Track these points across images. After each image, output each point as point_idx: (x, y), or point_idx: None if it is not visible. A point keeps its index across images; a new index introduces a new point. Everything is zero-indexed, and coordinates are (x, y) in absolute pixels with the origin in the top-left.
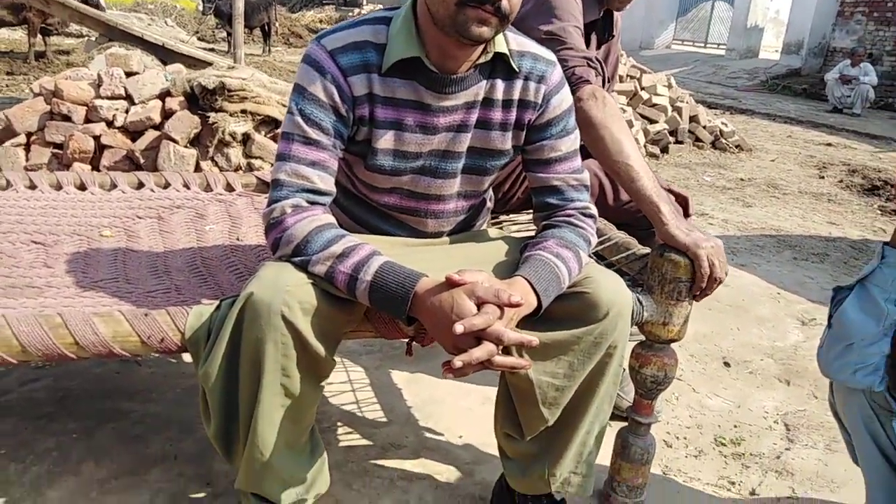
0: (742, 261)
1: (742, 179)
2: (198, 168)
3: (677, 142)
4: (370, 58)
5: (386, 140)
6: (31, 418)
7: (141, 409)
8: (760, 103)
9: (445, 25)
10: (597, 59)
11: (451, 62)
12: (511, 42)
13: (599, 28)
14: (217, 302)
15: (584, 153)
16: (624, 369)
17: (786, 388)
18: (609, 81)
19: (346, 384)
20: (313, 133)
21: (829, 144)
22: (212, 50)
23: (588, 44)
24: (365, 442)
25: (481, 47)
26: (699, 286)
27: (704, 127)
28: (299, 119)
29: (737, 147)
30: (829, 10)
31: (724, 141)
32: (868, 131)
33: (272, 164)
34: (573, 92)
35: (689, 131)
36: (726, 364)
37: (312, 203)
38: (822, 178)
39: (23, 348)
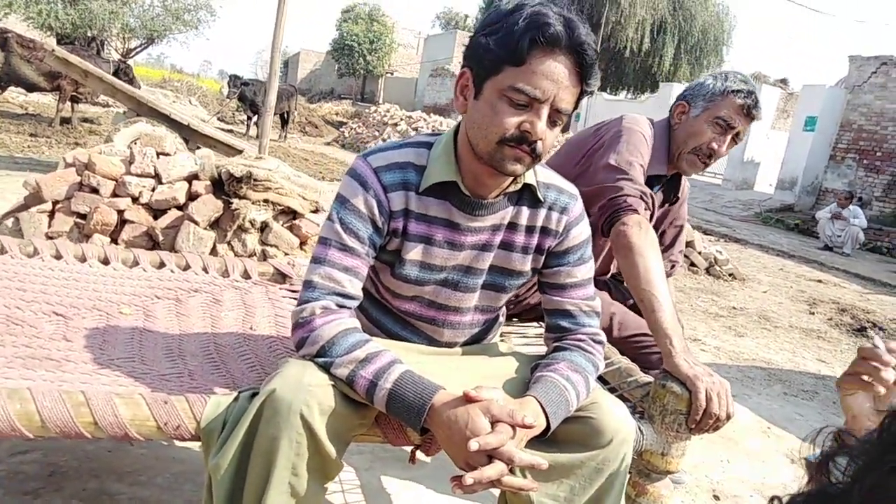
0: (733, 391)
1: (734, 308)
2: (214, 250)
3: None
4: (410, 177)
5: (415, 252)
6: (16, 493)
7: (129, 493)
8: (754, 234)
9: (484, 158)
10: (651, 196)
11: (484, 189)
12: (539, 174)
13: (666, 188)
14: (235, 393)
15: (599, 284)
16: None
17: None
18: (668, 249)
19: (336, 484)
20: (350, 241)
21: (820, 281)
22: (230, 131)
23: None
24: None
25: (511, 178)
26: (694, 418)
27: (700, 253)
28: (338, 227)
29: (730, 275)
30: (822, 153)
31: (718, 268)
32: (857, 272)
33: (286, 254)
34: (620, 216)
35: (685, 256)
36: (716, 497)
37: (341, 306)
38: (813, 314)
39: (43, 423)
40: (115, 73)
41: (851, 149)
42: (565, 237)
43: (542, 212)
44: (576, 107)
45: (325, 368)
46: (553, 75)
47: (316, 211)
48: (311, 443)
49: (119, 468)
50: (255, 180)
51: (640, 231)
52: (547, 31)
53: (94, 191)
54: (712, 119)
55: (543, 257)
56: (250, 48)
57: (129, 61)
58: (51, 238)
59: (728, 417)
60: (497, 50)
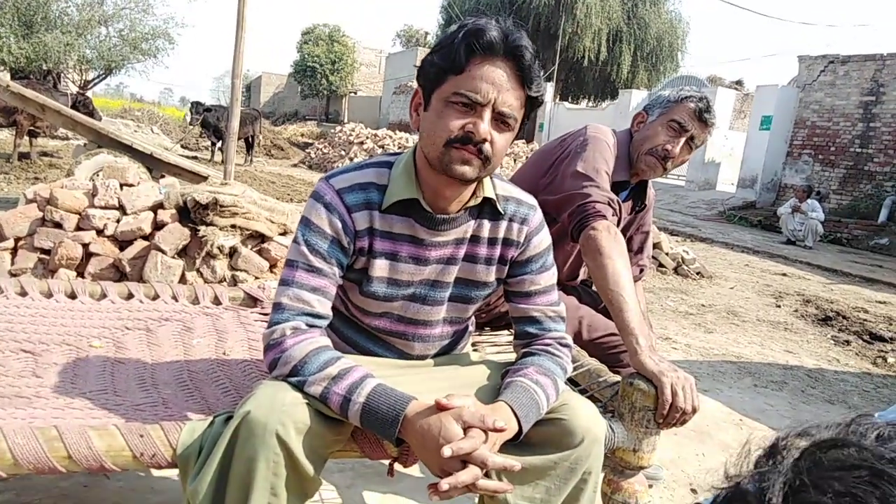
0: (705, 386)
1: (703, 305)
2: (183, 278)
3: None
4: (372, 197)
5: (381, 269)
6: None
7: None
8: (719, 232)
9: (435, 165)
10: (617, 202)
11: (444, 203)
12: (498, 187)
13: (634, 196)
14: (210, 418)
15: (568, 289)
16: None
17: None
18: (636, 254)
19: (318, 503)
20: (316, 261)
21: (784, 274)
22: (194, 158)
23: None
24: None
25: (471, 191)
26: (661, 413)
27: (667, 254)
28: (304, 248)
29: (698, 274)
30: (779, 150)
31: (685, 268)
32: (819, 263)
33: (256, 277)
34: (589, 221)
35: (653, 257)
36: (693, 491)
37: (311, 326)
38: (779, 306)
39: (15, 461)
40: (74, 106)
41: (807, 145)
42: (527, 247)
43: (503, 223)
44: (528, 115)
45: (299, 387)
46: (491, 78)
47: (284, 233)
48: (289, 462)
49: (96, 503)
50: (221, 206)
51: (608, 235)
52: (483, 37)
53: (58, 225)
54: (666, 122)
55: (507, 267)
56: (211, 73)
57: (88, 92)
58: (14, 275)
59: (694, 410)
60: (440, 63)
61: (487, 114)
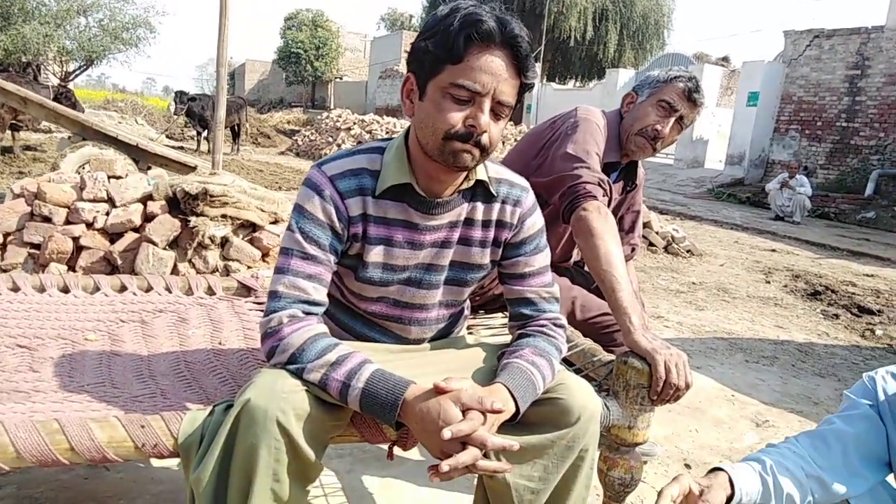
0: (697, 363)
1: (694, 283)
2: (175, 269)
3: None
4: (365, 183)
5: (376, 254)
6: None
7: None
8: (708, 210)
9: (433, 155)
10: (608, 182)
11: (438, 187)
12: (490, 170)
13: (625, 176)
14: (210, 407)
15: (560, 271)
16: None
17: None
18: (627, 234)
19: (318, 488)
20: (311, 249)
21: (773, 250)
22: (180, 147)
23: None
24: None
25: (463, 175)
26: (655, 390)
27: (657, 232)
28: (298, 236)
29: (688, 252)
30: (766, 126)
31: (675, 246)
32: (808, 238)
33: (248, 267)
34: (580, 202)
35: (644, 236)
36: (687, 466)
37: (307, 313)
38: (769, 282)
39: (18, 454)
40: (56, 98)
41: (793, 120)
42: (520, 229)
43: (496, 206)
44: (519, 100)
45: (298, 375)
46: (491, 69)
47: (275, 222)
48: (290, 448)
49: (98, 495)
50: (211, 196)
51: (599, 216)
52: (481, 27)
53: (47, 219)
54: (656, 102)
55: (501, 249)
56: (194, 62)
57: (69, 84)
58: (5, 271)
59: (687, 386)
60: (436, 51)
61: (487, 104)
